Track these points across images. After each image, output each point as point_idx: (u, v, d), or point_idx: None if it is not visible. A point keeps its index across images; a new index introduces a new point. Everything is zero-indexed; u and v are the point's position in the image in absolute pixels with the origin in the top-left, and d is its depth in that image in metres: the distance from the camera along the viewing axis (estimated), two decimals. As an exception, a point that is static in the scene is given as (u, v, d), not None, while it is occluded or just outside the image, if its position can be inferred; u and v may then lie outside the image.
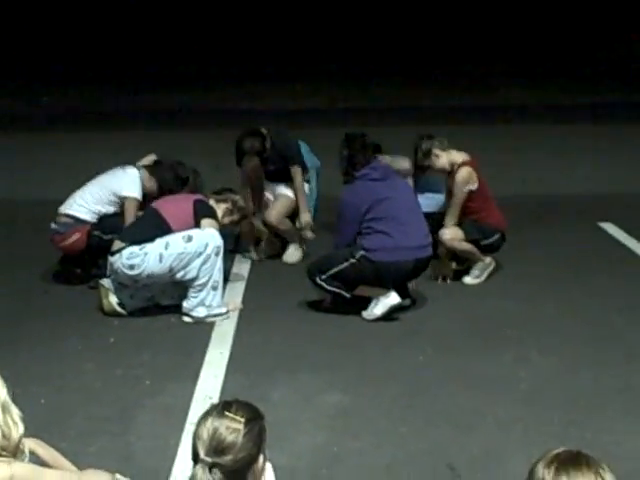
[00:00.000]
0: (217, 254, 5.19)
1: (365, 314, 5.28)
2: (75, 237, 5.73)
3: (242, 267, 6.31)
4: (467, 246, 5.87)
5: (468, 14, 21.33)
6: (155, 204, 5.44)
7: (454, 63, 18.21)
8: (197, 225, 5.25)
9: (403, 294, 5.35)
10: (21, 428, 2.51)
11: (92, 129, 11.57)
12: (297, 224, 6.58)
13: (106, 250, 5.40)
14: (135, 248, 5.10)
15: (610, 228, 7.13)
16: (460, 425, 4.01)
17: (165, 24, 20.36)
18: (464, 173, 5.85)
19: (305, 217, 6.46)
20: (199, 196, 5.52)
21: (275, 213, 6.46)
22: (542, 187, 8.60)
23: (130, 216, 5.69)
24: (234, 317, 5.31)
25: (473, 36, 20.06)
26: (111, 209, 5.81)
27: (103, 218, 5.78)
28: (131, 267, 5.10)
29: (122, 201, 5.77)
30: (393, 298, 5.22)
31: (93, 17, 20.27)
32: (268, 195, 6.57)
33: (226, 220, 5.58)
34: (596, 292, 5.74)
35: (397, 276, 5.28)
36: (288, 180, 6.50)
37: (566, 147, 10.43)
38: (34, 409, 4.07)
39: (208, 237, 5.18)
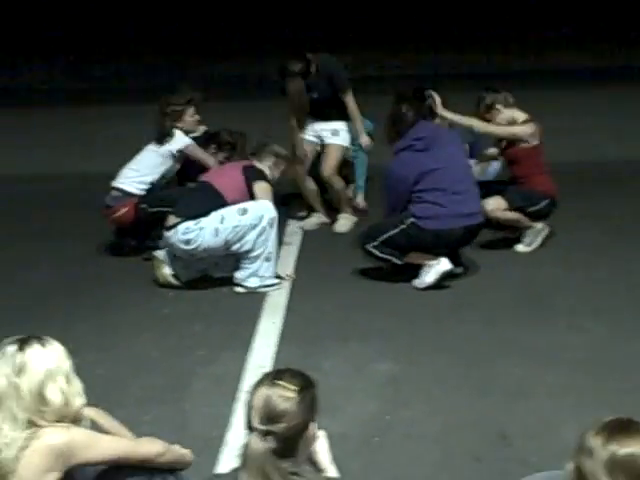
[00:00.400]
0: (272, 225, 5.23)
1: (416, 282, 5.27)
2: (123, 211, 5.84)
3: (294, 237, 6.34)
4: (512, 215, 5.74)
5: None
6: (205, 177, 5.49)
7: (500, 27, 17.89)
8: (250, 190, 5.29)
9: (455, 261, 5.33)
10: (83, 399, 2.61)
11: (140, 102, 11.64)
12: (350, 192, 6.58)
13: (154, 223, 5.53)
14: (190, 223, 5.14)
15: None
16: (512, 394, 4.00)
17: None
18: (529, 126, 5.81)
19: (364, 139, 6.38)
20: (246, 162, 5.55)
21: (328, 167, 6.37)
22: (581, 153, 8.42)
23: (204, 156, 5.94)
24: (286, 287, 5.35)
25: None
26: (160, 178, 5.91)
27: (150, 190, 5.87)
28: (187, 242, 5.14)
29: (177, 158, 5.91)
30: (444, 264, 5.20)
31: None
32: (311, 139, 6.47)
33: (276, 174, 5.66)
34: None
35: (446, 243, 5.26)
36: (333, 115, 6.34)
37: (618, 112, 10.19)
38: (91, 378, 4.12)
39: (263, 209, 5.20)
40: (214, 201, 5.22)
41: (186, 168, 6.05)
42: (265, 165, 5.56)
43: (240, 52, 15.59)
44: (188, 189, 5.75)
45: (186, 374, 4.29)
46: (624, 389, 3.99)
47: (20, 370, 2.48)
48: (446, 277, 5.23)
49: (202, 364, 4.39)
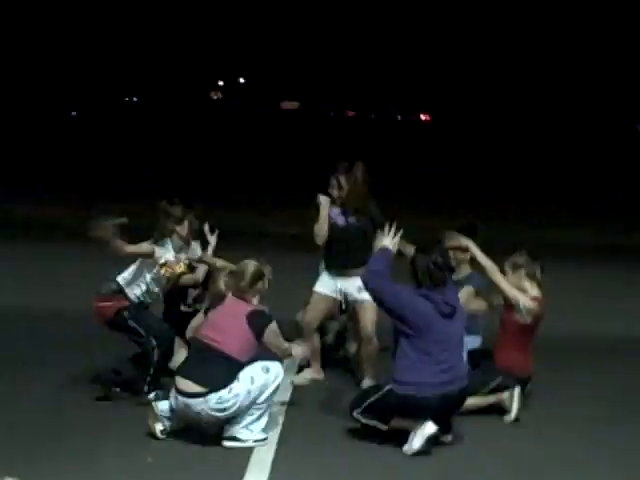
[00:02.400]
0: (278, 387, 5.35)
1: (405, 448, 5.21)
2: (109, 303, 6.00)
3: (281, 392, 6.27)
4: (470, 403, 5.64)
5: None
6: (209, 339, 5.28)
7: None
8: (258, 337, 5.30)
9: (444, 428, 5.28)
10: None
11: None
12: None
13: (120, 330, 5.94)
14: (223, 392, 5.11)
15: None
16: None
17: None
18: (533, 304, 5.90)
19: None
20: (244, 306, 5.38)
21: (370, 323, 6.32)
22: (607, 326, 8.48)
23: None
24: (272, 444, 5.27)
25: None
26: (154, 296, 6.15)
27: (140, 302, 6.06)
28: (222, 410, 5.13)
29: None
30: (429, 428, 5.16)
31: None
32: (330, 294, 6.43)
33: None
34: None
35: (424, 411, 5.20)
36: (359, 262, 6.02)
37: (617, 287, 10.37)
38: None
39: (279, 369, 5.33)
40: (231, 367, 5.19)
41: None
42: (257, 298, 5.49)
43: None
44: (193, 352, 5.44)
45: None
46: None
47: None
48: (434, 441, 5.17)
49: (183, 521, 4.27)
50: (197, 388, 5.12)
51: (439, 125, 62.67)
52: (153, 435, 5.24)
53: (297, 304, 7.07)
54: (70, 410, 5.75)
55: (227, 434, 5.23)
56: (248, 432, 5.22)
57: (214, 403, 5.09)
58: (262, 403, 5.23)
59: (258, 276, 5.45)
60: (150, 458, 5.00)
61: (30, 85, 66.14)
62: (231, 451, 5.15)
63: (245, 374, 5.19)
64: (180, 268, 6.15)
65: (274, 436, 5.37)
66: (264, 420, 5.28)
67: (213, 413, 5.13)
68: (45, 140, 32.15)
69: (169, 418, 5.28)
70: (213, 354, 5.22)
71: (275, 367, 5.30)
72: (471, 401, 5.66)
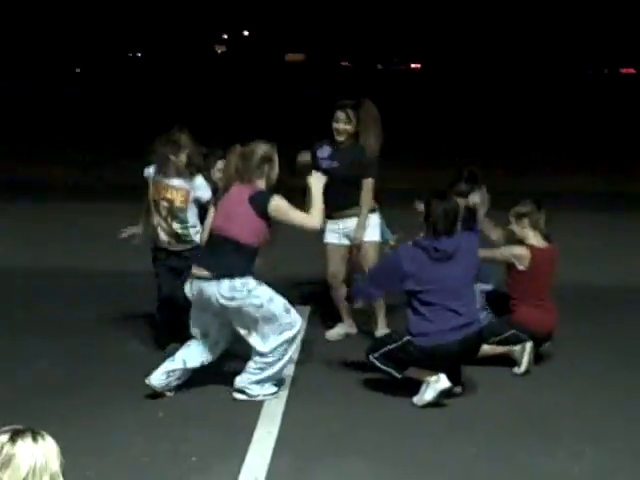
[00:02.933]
0: (295, 340, 5.25)
1: (415, 399, 5.22)
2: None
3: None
4: (484, 350, 5.66)
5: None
6: (217, 229, 5.23)
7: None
8: (265, 217, 5.17)
9: (455, 379, 5.29)
10: None
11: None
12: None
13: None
14: (237, 281, 5.05)
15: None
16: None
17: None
18: (520, 251, 5.89)
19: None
20: (245, 189, 5.23)
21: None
22: (602, 276, 8.45)
23: None
24: (283, 397, 5.29)
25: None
26: None
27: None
28: (231, 299, 5.05)
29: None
30: (443, 382, 5.16)
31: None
32: (336, 241, 6.32)
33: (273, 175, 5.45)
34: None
35: (443, 358, 5.23)
36: (350, 202, 6.18)
37: (617, 235, 10.30)
38: (81, 482, 4.10)
39: (298, 319, 5.24)
40: (240, 251, 5.11)
41: None
42: (263, 182, 5.31)
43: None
44: (207, 243, 5.37)
45: (177, 482, 4.20)
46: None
47: (4, 463, 2.41)
48: (445, 395, 5.18)
49: (194, 472, 4.30)
50: (207, 273, 5.11)
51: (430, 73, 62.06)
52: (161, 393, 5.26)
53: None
54: (83, 366, 5.78)
55: (237, 386, 5.24)
56: (258, 387, 5.22)
57: (226, 289, 5.03)
58: (274, 355, 5.14)
59: (267, 158, 5.29)
60: (161, 413, 5.03)
61: (33, 42, 65.69)
62: (242, 404, 5.17)
63: (268, 291, 5.12)
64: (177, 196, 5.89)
65: (284, 389, 5.38)
66: (275, 374, 5.25)
67: (222, 301, 5.04)
68: (50, 98, 31.93)
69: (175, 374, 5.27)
70: (221, 240, 5.18)
71: (296, 317, 5.21)
72: (482, 349, 5.66)
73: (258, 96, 35.23)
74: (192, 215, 5.90)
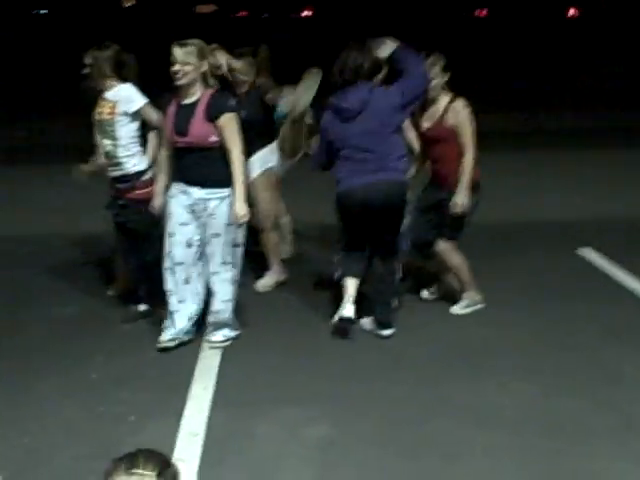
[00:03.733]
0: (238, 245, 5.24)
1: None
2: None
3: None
4: (456, 261, 5.75)
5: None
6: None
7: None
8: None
9: (383, 319, 5.43)
10: None
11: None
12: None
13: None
14: (205, 191, 5.07)
15: (589, 254, 7.18)
16: (446, 455, 4.01)
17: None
18: (465, 106, 5.56)
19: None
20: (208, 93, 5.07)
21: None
22: (522, 213, 8.65)
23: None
24: (218, 350, 5.29)
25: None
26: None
27: None
28: (204, 203, 5.09)
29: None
30: (347, 310, 5.44)
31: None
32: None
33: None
34: (577, 318, 5.77)
35: (354, 206, 5.31)
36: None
37: (547, 172, 10.53)
38: (16, 447, 4.04)
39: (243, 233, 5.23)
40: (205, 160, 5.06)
41: None
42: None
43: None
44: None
45: (115, 443, 4.15)
46: (556, 449, 4.04)
47: None
48: (348, 322, 5.43)
49: (132, 432, 4.28)
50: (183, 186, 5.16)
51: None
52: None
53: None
54: (9, 332, 5.68)
55: (209, 337, 5.37)
56: (220, 336, 5.37)
57: (205, 194, 5.07)
58: (233, 261, 5.21)
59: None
60: (94, 375, 4.98)
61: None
62: (176, 361, 5.16)
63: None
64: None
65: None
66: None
67: (197, 203, 5.10)
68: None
69: None
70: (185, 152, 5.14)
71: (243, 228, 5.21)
72: (456, 261, 5.78)
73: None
74: (123, 132, 5.46)
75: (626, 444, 4.09)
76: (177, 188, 5.17)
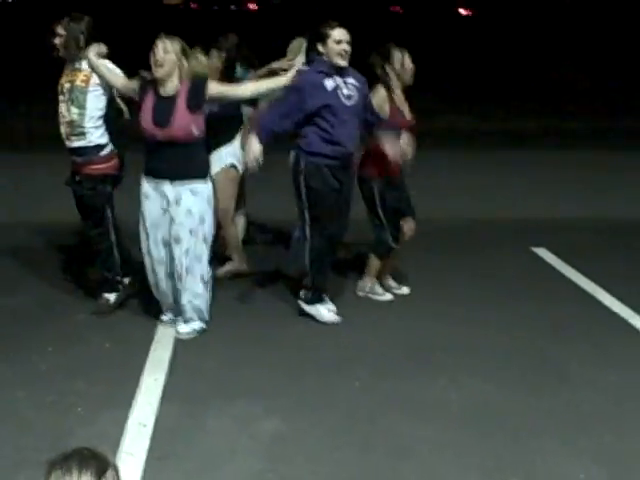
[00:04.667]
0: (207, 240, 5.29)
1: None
2: None
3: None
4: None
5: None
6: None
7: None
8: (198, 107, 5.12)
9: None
10: None
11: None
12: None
13: None
14: (181, 183, 5.12)
15: (543, 253, 7.26)
16: (396, 450, 4.03)
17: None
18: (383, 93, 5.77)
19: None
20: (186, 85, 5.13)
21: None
22: (476, 211, 8.72)
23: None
24: (170, 342, 5.27)
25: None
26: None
27: None
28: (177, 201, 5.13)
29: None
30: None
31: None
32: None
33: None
34: (527, 316, 5.83)
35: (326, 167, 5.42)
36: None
37: (501, 172, 10.62)
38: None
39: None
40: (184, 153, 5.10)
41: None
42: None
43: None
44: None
45: (64, 434, 4.13)
46: (503, 445, 4.09)
47: None
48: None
49: (81, 424, 4.24)
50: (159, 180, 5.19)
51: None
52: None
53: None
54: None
55: (180, 329, 5.39)
56: (191, 328, 5.40)
57: (181, 188, 5.13)
58: (205, 256, 5.27)
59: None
60: (44, 366, 4.93)
61: None
62: (127, 352, 5.12)
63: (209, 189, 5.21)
64: None
65: (171, 335, 5.37)
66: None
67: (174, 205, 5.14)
68: None
69: None
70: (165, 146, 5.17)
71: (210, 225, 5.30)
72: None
73: (139, 40, 34.14)
74: (93, 103, 5.45)
75: (573, 441, 4.14)
76: (150, 186, 5.19)
